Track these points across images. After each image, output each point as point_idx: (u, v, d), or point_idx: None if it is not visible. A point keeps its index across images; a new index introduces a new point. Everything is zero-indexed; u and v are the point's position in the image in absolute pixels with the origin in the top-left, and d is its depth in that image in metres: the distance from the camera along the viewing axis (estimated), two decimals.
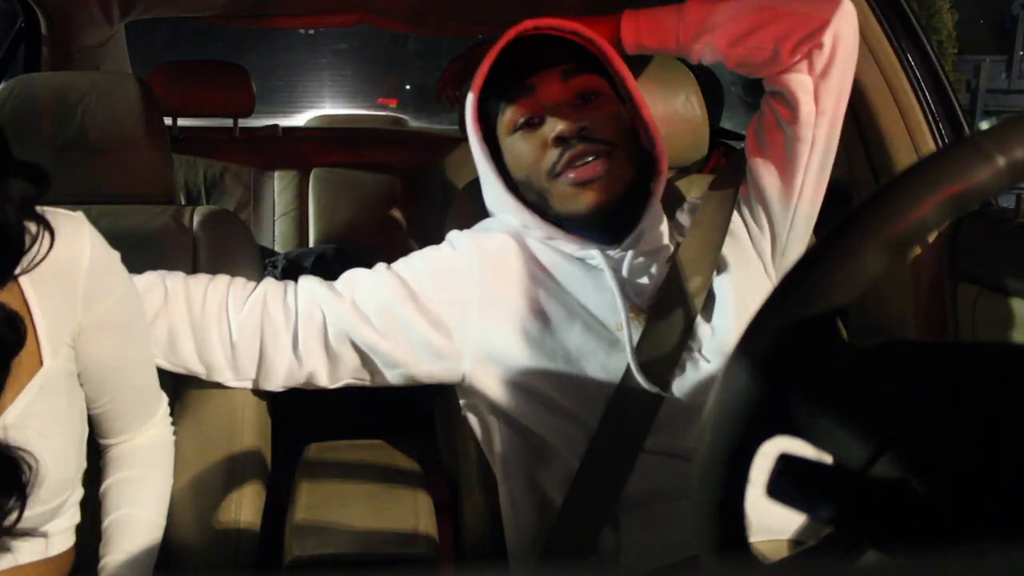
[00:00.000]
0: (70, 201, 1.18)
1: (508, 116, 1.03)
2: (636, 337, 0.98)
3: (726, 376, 0.39)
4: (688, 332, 0.98)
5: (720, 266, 1.04)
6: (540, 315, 1.00)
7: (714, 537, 0.40)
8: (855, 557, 0.36)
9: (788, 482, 0.36)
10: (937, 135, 1.25)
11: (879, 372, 0.38)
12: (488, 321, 1.00)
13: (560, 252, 1.03)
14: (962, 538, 0.32)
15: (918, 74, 1.25)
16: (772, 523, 0.89)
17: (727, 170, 1.13)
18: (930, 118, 1.25)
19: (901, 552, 0.33)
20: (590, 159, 0.98)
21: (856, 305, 0.99)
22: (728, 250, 1.05)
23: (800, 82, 0.98)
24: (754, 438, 0.38)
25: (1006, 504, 0.31)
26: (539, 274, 1.02)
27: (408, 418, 1.41)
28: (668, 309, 0.99)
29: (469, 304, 1.01)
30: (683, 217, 1.12)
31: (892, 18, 1.25)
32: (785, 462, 0.36)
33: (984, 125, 0.39)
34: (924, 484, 0.33)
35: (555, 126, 0.98)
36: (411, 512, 1.05)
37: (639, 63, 1.33)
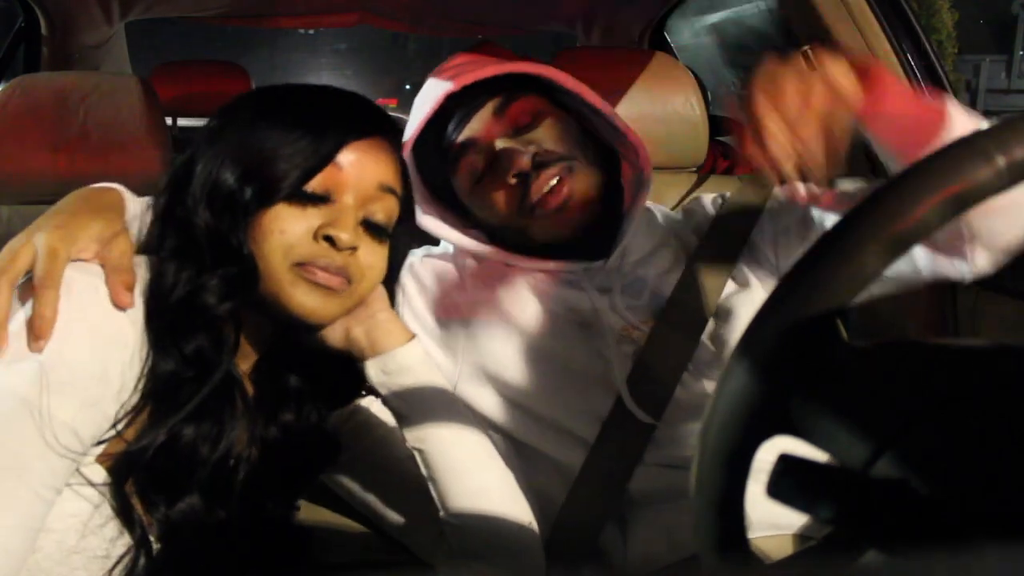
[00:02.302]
0: None
1: (461, 174, 1.00)
2: (628, 355, 0.96)
3: (726, 376, 0.39)
4: (692, 349, 0.96)
5: (737, 279, 1.01)
6: (530, 337, 0.99)
7: (714, 536, 0.40)
8: (855, 557, 0.36)
9: (788, 482, 0.36)
10: None
11: (879, 372, 0.38)
12: (478, 340, 0.99)
13: (548, 274, 1.03)
14: (962, 538, 0.32)
15: (918, 74, 1.25)
16: (777, 518, 0.89)
17: (754, 182, 1.11)
18: None
19: (901, 552, 0.33)
20: (554, 183, 0.95)
21: (856, 305, 0.99)
22: (746, 263, 1.02)
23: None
24: (754, 438, 0.39)
25: (1006, 504, 0.31)
26: (528, 294, 1.02)
27: None
28: (673, 325, 0.97)
29: (460, 318, 1.01)
30: (685, 217, 1.11)
31: (892, 18, 1.25)
32: (785, 462, 0.36)
33: (984, 125, 0.39)
34: (924, 484, 0.33)
35: (508, 166, 0.95)
36: None
37: (638, 63, 1.33)
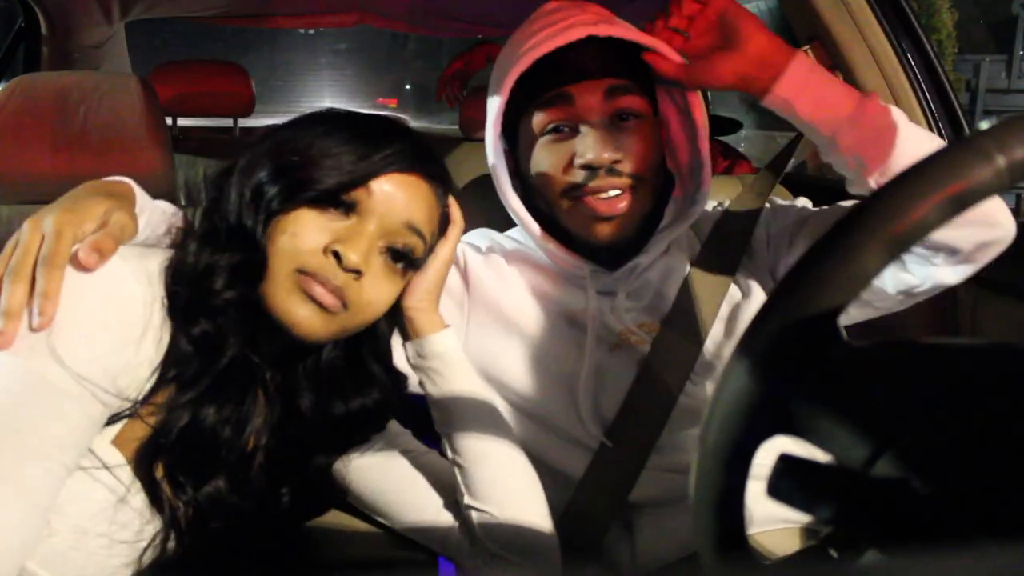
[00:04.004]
0: None
1: (538, 119, 0.95)
2: (624, 360, 0.96)
3: (726, 375, 0.39)
4: (695, 356, 0.95)
5: (738, 285, 1.00)
6: (525, 338, 0.98)
7: (714, 536, 0.40)
8: (855, 557, 0.36)
9: (788, 482, 0.36)
10: (937, 135, 1.25)
11: (879, 372, 0.38)
12: (477, 339, 0.99)
13: (551, 270, 1.02)
14: (962, 538, 0.32)
15: (918, 74, 1.25)
16: (786, 511, 0.89)
17: (752, 189, 1.11)
18: (930, 118, 1.25)
19: (901, 552, 0.33)
20: (614, 193, 0.92)
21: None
22: (746, 268, 1.01)
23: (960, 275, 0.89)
24: (754, 438, 0.39)
25: (1006, 504, 0.31)
26: (528, 294, 1.01)
27: (408, 417, 1.41)
28: (675, 331, 0.96)
29: (460, 319, 1.00)
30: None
31: (892, 18, 1.25)
32: (785, 462, 0.36)
33: (984, 125, 0.39)
34: (924, 484, 0.33)
35: (586, 149, 0.91)
36: None
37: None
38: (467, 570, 0.88)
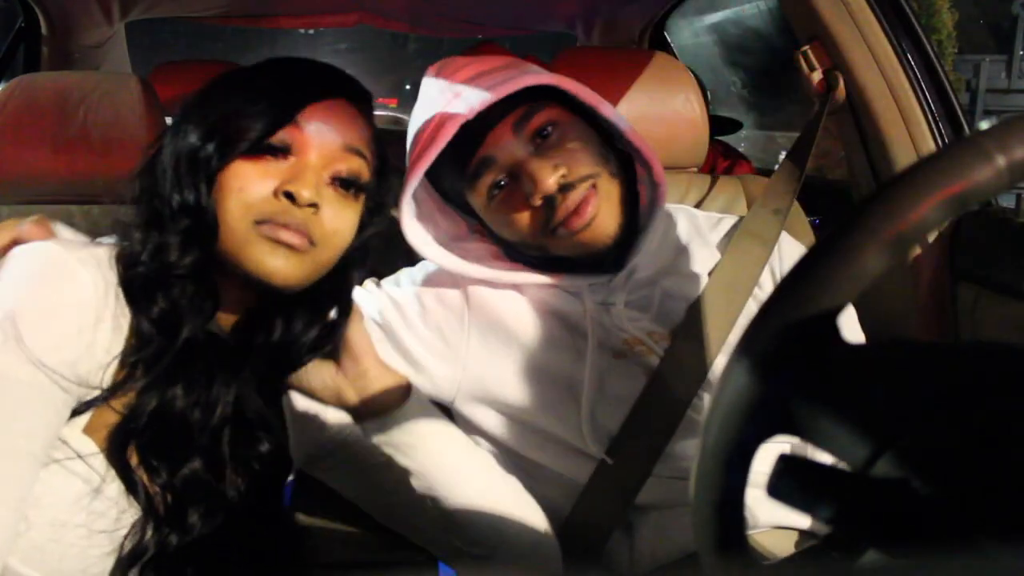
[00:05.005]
0: (72, 201, 1.18)
1: (479, 190, 0.96)
2: (626, 370, 0.96)
3: (726, 375, 0.39)
4: (708, 368, 0.95)
5: (757, 299, 1.00)
6: (527, 352, 0.98)
7: (714, 536, 0.40)
8: (855, 557, 0.36)
9: (788, 482, 0.36)
10: (937, 135, 1.25)
11: (879, 372, 0.38)
12: (477, 355, 0.99)
13: (549, 287, 1.01)
14: (962, 538, 0.32)
15: (918, 74, 1.25)
16: (784, 515, 0.88)
17: (777, 184, 1.09)
18: (930, 118, 1.25)
19: (901, 552, 0.33)
20: (579, 202, 0.92)
21: (856, 305, 0.99)
22: (766, 279, 1.01)
23: None
24: (754, 437, 0.39)
25: (1006, 504, 0.31)
26: (527, 308, 1.01)
27: None
28: (689, 339, 0.95)
29: (459, 334, 1.00)
30: (688, 225, 1.10)
31: (892, 18, 1.25)
32: (785, 462, 0.36)
33: (984, 125, 0.39)
34: (924, 484, 0.33)
35: (532, 189, 0.91)
36: None
37: (638, 63, 1.33)
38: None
